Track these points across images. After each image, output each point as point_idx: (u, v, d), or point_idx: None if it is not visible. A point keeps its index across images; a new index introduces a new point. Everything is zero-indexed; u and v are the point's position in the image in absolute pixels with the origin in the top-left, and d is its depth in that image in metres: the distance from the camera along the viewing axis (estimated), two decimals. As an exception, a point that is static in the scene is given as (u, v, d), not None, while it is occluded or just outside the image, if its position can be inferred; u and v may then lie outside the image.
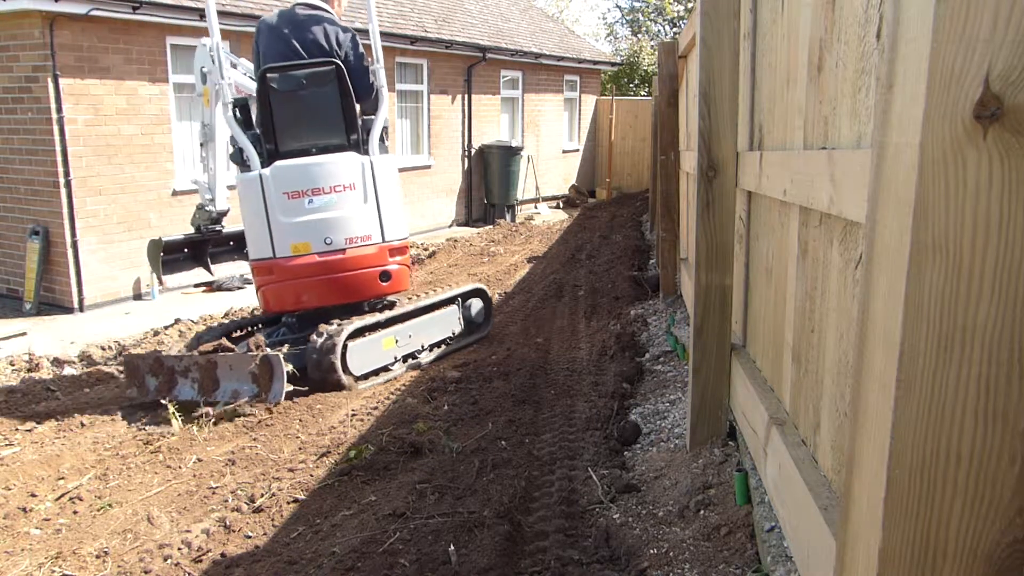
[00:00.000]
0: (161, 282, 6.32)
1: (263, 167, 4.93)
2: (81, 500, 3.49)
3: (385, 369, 5.22)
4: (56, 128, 7.25)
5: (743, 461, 2.81)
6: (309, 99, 4.97)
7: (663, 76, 6.27)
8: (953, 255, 0.92)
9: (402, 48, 11.53)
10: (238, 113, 5.04)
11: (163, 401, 4.54)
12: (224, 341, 4.88)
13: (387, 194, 5.21)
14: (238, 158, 5.10)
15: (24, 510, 3.42)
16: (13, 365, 5.69)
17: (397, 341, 5.28)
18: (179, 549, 3.00)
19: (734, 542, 2.47)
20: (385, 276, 5.19)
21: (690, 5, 22.79)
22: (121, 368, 5.34)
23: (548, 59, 15.37)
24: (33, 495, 3.56)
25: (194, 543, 3.03)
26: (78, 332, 6.84)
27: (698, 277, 2.98)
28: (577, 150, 17.55)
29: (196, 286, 8.66)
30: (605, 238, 11.01)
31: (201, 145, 6.05)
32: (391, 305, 5.41)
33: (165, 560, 2.93)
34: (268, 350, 4.65)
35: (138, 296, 8.17)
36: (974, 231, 0.91)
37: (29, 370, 5.60)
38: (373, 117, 5.29)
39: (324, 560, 2.77)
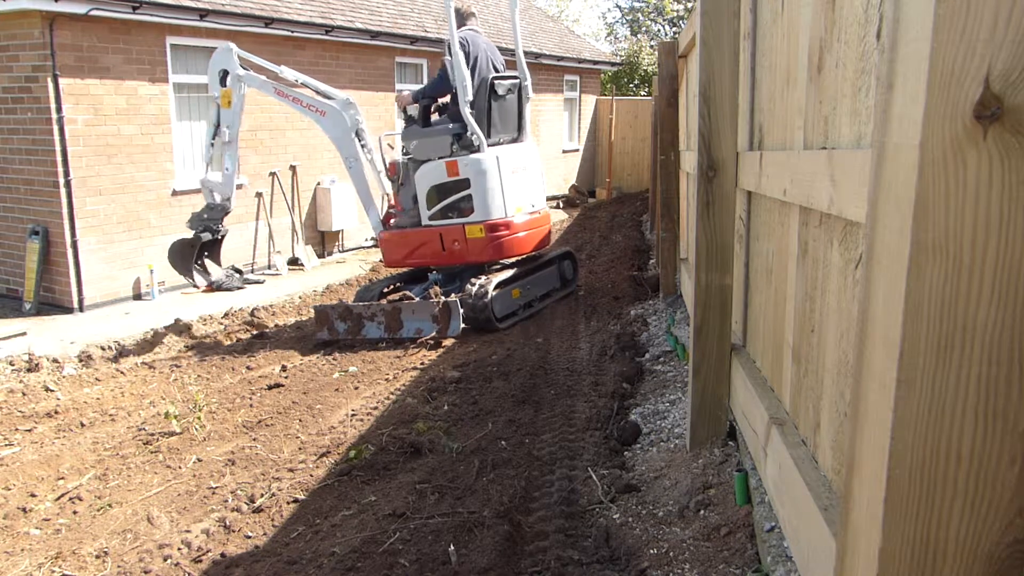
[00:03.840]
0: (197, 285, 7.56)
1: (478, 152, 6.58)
2: (81, 500, 3.49)
3: (513, 314, 6.60)
4: (56, 128, 7.25)
5: (743, 461, 2.81)
6: (508, 102, 6.84)
7: (663, 76, 6.27)
8: (953, 255, 0.92)
9: (402, 48, 11.53)
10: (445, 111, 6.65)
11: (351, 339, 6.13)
12: (406, 292, 6.63)
13: (542, 173, 7.28)
14: (467, 143, 6.52)
15: (24, 510, 3.42)
16: (13, 365, 5.69)
17: (521, 292, 6.74)
18: (179, 549, 3.00)
19: (734, 542, 2.47)
20: (549, 233, 7.21)
21: (690, 5, 22.78)
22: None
23: (548, 59, 15.37)
24: (33, 495, 3.56)
25: (194, 543, 3.03)
26: (78, 332, 6.84)
27: (698, 277, 2.98)
28: (577, 150, 17.55)
29: (196, 286, 8.67)
30: (605, 238, 11.00)
31: (212, 145, 6.61)
32: (511, 265, 6.87)
33: (165, 560, 2.93)
34: (444, 297, 6.11)
35: (138, 296, 8.17)
36: (974, 231, 0.91)
37: (29, 370, 5.60)
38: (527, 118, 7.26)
39: (324, 560, 2.77)
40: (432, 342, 6.01)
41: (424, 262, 6.86)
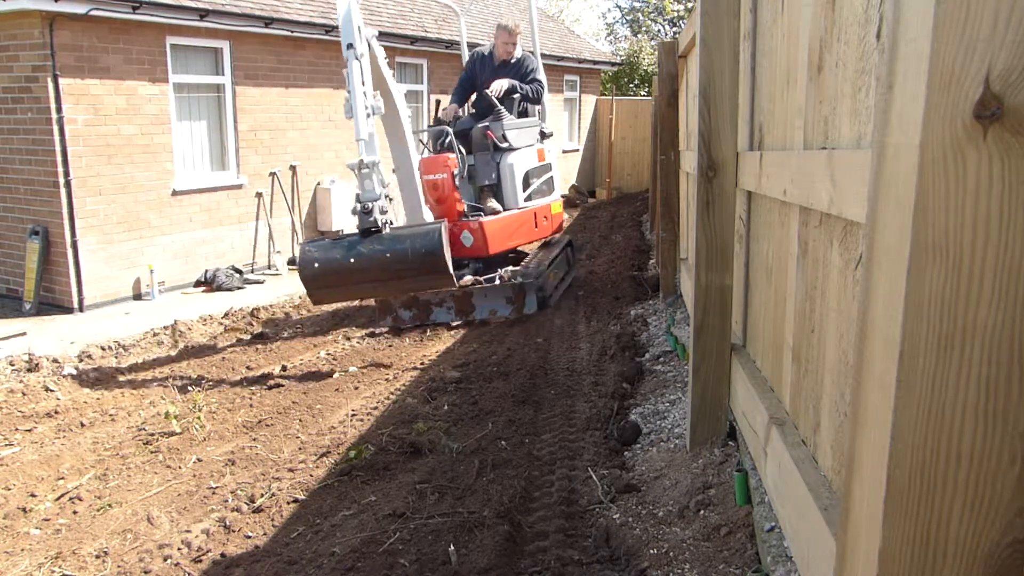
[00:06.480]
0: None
1: None
2: (81, 500, 3.49)
3: (549, 296, 7.07)
4: (56, 128, 7.25)
5: (743, 461, 2.81)
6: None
7: (663, 76, 6.27)
8: (953, 255, 0.92)
9: (402, 48, 11.53)
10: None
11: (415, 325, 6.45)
12: (477, 277, 6.85)
13: None
14: (548, 133, 7.64)
15: (24, 510, 3.42)
16: (13, 365, 5.69)
17: (553, 275, 7.27)
18: (179, 549, 3.00)
19: (734, 542, 2.47)
20: None
21: (690, 5, 22.77)
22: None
23: (548, 59, 15.33)
24: (33, 495, 3.56)
25: (194, 543, 3.03)
26: (78, 332, 6.84)
27: (698, 277, 2.98)
28: (577, 150, 17.54)
29: (195, 286, 8.66)
30: (605, 238, 11.00)
31: (369, 117, 5.09)
32: (536, 252, 7.54)
33: (165, 560, 2.93)
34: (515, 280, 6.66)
35: (138, 296, 8.17)
36: (974, 231, 0.91)
37: (29, 370, 5.60)
38: None
39: (324, 560, 2.77)
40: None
41: (518, 243, 7.34)
